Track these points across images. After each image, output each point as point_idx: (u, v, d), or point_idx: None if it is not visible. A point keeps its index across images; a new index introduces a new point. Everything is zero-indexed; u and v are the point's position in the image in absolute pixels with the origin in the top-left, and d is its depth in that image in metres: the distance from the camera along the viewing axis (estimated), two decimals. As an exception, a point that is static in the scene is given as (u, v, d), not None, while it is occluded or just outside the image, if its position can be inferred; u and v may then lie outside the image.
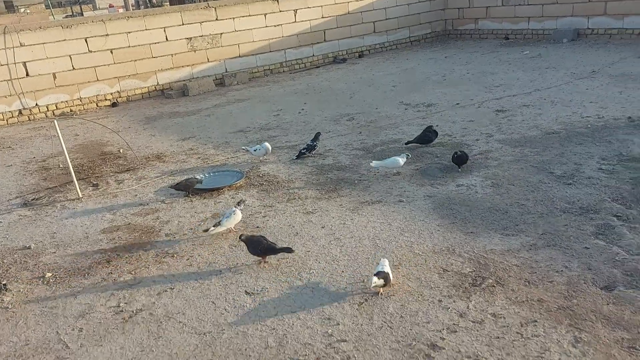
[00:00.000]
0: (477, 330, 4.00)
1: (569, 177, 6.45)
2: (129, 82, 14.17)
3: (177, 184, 7.20)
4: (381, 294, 4.52)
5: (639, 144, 7.19)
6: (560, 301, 4.23)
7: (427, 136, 8.08)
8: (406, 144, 8.08)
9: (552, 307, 4.17)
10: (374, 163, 7.08)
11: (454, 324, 4.10)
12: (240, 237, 5.30)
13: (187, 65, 14.84)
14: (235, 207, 5.96)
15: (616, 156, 6.89)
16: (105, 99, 13.95)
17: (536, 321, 4.03)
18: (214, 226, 5.78)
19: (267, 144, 8.20)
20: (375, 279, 4.40)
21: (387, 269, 4.52)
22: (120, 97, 14.11)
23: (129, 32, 13.89)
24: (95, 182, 8.07)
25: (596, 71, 11.55)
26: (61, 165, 8.99)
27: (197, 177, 7.30)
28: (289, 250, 5.18)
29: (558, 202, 5.85)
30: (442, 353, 3.81)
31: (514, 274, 4.64)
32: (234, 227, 5.91)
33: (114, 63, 13.86)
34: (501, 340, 3.88)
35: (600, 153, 7.04)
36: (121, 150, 9.61)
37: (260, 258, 5.24)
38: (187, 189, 7.14)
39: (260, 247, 5.16)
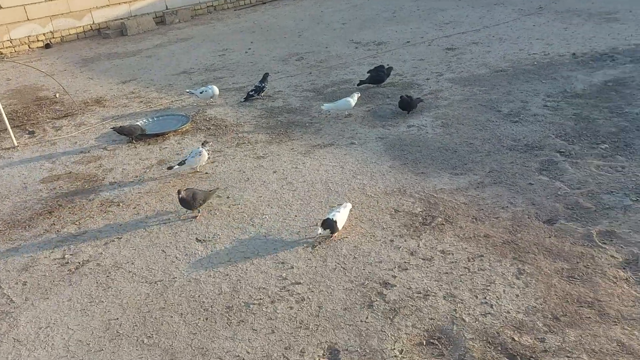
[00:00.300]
0: (427, 267, 4.10)
1: (516, 115, 6.56)
2: (62, 22, 13.25)
3: (121, 126, 6.87)
4: (334, 239, 4.54)
5: (582, 80, 7.36)
6: (505, 236, 4.37)
7: (379, 76, 7.92)
8: (358, 84, 7.87)
9: (498, 242, 4.31)
10: (325, 106, 6.96)
11: (405, 262, 4.18)
12: (178, 194, 4.93)
13: (125, 2, 13.97)
14: (201, 147, 5.77)
15: (560, 93, 7.03)
16: (38, 40, 13.05)
17: (482, 256, 4.17)
18: (178, 164, 5.61)
19: (214, 86, 7.91)
20: (320, 229, 4.39)
21: (338, 216, 4.50)
22: (53, 37, 13.22)
23: (59, -34, 12.86)
24: (31, 130, 7.63)
25: (543, 7, 11.62)
26: (-8, 112, 8.43)
27: (141, 126, 6.98)
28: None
29: (505, 140, 5.96)
30: (393, 290, 3.90)
31: (462, 212, 4.75)
32: (198, 169, 5.74)
33: (46, 1, 12.87)
34: (449, 275, 4.00)
35: (546, 90, 7.17)
36: (57, 95, 9.07)
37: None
38: (130, 134, 6.84)
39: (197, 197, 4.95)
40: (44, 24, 13.05)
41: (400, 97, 6.91)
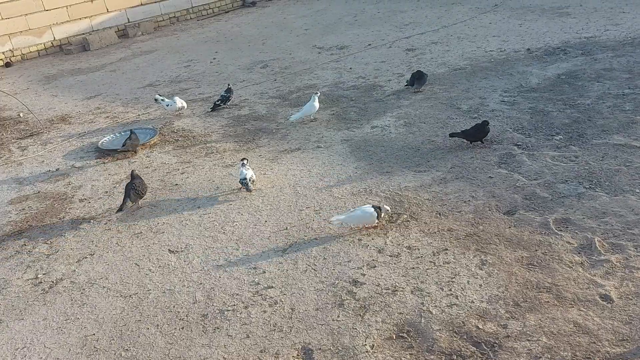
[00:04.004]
0: (395, 264, 4.26)
1: (475, 111, 6.79)
2: (22, 39, 13.08)
3: (124, 144, 6.82)
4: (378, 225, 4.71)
5: (537, 74, 7.64)
6: (468, 229, 4.56)
7: (482, 130, 5.91)
8: (451, 135, 6.09)
9: (461, 235, 4.50)
10: (292, 117, 7.04)
11: (373, 259, 4.33)
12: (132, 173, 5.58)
13: (86, 17, 13.85)
14: (243, 162, 5.58)
15: (517, 88, 7.30)
16: (-3, 59, 12.84)
17: (447, 249, 4.34)
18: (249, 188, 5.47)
19: (179, 99, 7.88)
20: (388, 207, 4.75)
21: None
22: (14, 55, 13.04)
23: (15, -17, 12.69)
24: (-4, 151, 7.56)
25: (498, 5, 11.96)
26: (-45, 135, 8.31)
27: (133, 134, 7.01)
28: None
29: (465, 136, 6.17)
30: (363, 288, 4.04)
31: (427, 208, 4.92)
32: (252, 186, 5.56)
33: (2, 19, 12.69)
34: (416, 270, 4.16)
35: (503, 86, 7.43)
36: (21, 114, 8.99)
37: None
38: (134, 147, 6.86)
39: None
40: (3, 43, 12.86)
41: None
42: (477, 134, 5.86)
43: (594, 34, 8.92)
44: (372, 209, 4.58)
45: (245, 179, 5.39)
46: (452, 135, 6.01)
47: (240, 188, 5.55)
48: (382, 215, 4.64)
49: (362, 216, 4.61)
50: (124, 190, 5.56)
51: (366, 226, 4.69)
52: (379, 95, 7.81)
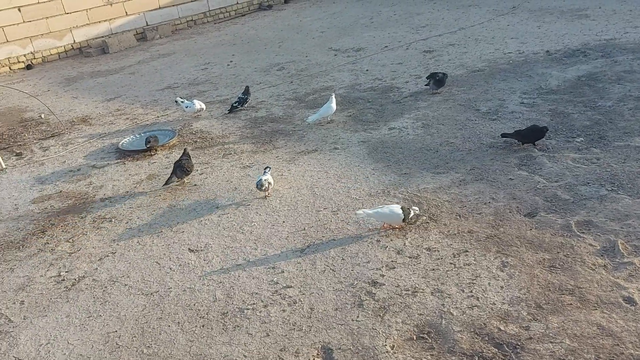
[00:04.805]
0: (414, 265, 4.25)
1: (494, 112, 6.75)
2: (43, 42, 13.28)
3: (147, 142, 6.95)
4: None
5: (557, 76, 7.58)
6: (488, 230, 4.54)
7: (539, 132, 5.78)
8: (502, 135, 5.95)
9: (482, 236, 4.47)
10: (309, 119, 7.05)
11: (392, 261, 4.32)
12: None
13: (105, 20, 14.03)
14: (265, 170, 5.55)
15: (536, 90, 7.25)
16: (19, 61, 13.05)
17: (467, 251, 4.32)
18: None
19: (198, 101, 7.98)
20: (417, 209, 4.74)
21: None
22: (35, 58, 13.24)
23: (36, -13, 12.90)
24: (18, 151, 7.68)
25: (516, 7, 11.90)
26: (-22, 136, 8.46)
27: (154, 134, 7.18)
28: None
29: (484, 138, 6.14)
30: (382, 289, 4.04)
31: (446, 210, 4.90)
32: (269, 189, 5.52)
33: (24, 22, 12.90)
34: (436, 271, 4.15)
35: (522, 88, 7.38)
36: (42, 116, 9.12)
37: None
38: (156, 144, 6.99)
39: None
40: (24, 45, 13.07)
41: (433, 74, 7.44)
42: (530, 135, 5.73)
43: (614, 36, 8.83)
44: (401, 210, 4.57)
45: (261, 180, 5.37)
46: (504, 135, 5.88)
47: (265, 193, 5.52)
48: (409, 218, 4.61)
49: (389, 215, 4.61)
50: (172, 166, 6.11)
51: (390, 226, 4.68)
52: (396, 96, 7.81)
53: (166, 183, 5.89)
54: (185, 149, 6.22)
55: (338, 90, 8.21)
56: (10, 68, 12.95)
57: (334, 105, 7.05)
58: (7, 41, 12.80)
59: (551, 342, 3.40)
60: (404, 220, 4.59)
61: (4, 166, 7.16)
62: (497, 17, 11.36)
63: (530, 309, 3.67)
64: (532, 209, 4.74)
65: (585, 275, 3.90)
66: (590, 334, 3.42)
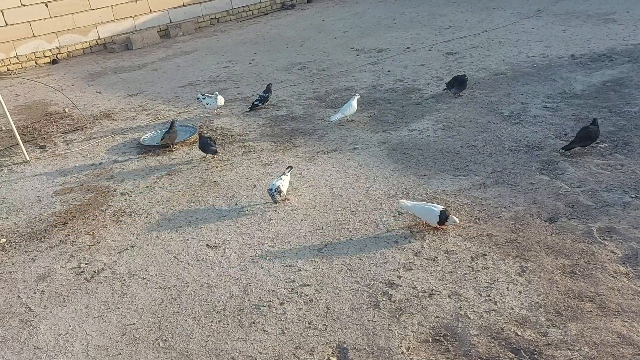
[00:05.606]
0: (432, 267, 4.22)
1: (516, 116, 6.68)
2: (68, 37, 13.50)
3: (162, 139, 7.04)
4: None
5: (581, 81, 7.47)
6: (508, 235, 4.49)
7: (592, 132, 5.62)
8: (566, 148, 5.64)
9: (501, 240, 4.42)
10: (333, 117, 7.04)
11: (409, 262, 4.30)
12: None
13: (129, 17, 14.22)
14: (285, 171, 5.54)
15: (560, 94, 7.15)
16: (45, 56, 13.30)
17: (486, 255, 4.28)
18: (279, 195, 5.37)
19: (219, 96, 8.05)
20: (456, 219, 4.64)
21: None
22: (60, 53, 13.47)
23: (64, -17, 13.12)
24: (42, 144, 7.82)
25: (541, 10, 11.76)
26: (4, 128, 8.64)
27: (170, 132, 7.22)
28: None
29: (506, 141, 6.08)
30: (399, 290, 4.02)
31: (465, 212, 4.86)
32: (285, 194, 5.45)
33: (50, 17, 13.14)
34: (454, 274, 4.12)
35: (545, 92, 7.29)
36: (66, 110, 9.27)
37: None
38: (172, 140, 7.05)
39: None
40: (50, 40, 13.30)
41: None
42: (587, 138, 5.55)
43: (642, 41, 8.67)
44: (439, 212, 4.54)
45: (272, 189, 5.28)
46: (565, 148, 5.59)
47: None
48: (446, 223, 4.57)
49: (426, 211, 4.61)
50: (200, 148, 6.60)
51: (425, 223, 4.69)
52: (417, 98, 7.77)
53: (204, 155, 6.66)
54: (200, 133, 6.84)
55: (359, 91, 8.19)
56: (36, 62, 13.19)
57: (354, 104, 7.05)
58: (34, 36, 13.04)
59: (569, 350, 3.35)
60: (440, 222, 4.56)
61: (28, 158, 7.30)
62: (521, 20, 11.23)
63: (548, 315, 3.62)
64: (553, 214, 4.68)
65: (606, 283, 3.84)
66: (610, 343, 3.36)
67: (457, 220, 4.59)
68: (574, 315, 3.60)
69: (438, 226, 4.64)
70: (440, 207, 4.58)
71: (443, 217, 4.53)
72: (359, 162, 6.07)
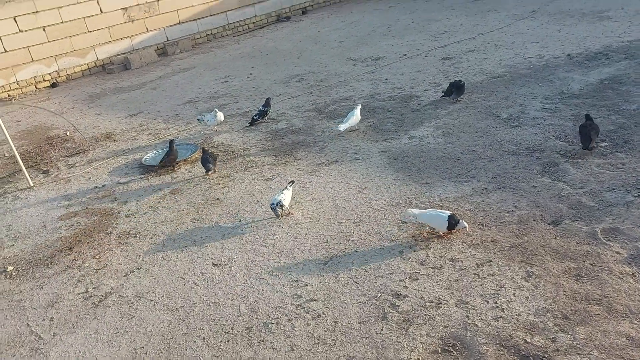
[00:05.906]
0: (437, 276, 4.22)
1: (515, 119, 6.69)
2: (67, 60, 13.60)
3: (162, 161, 7.09)
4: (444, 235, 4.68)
5: (579, 80, 7.49)
6: (512, 240, 4.49)
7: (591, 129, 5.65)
8: (587, 148, 5.58)
9: (505, 246, 4.43)
10: (340, 127, 7.03)
11: (415, 272, 4.31)
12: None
13: (126, 37, 14.31)
14: (287, 186, 5.61)
15: (558, 94, 7.16)
16: (44, 80, 13.38)
17: (491, 261, 4.28)
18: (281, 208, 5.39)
19: (219, 112, 8.10)
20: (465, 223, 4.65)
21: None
22: (59, 76, 13.56)
23: (60, 7, 13.21)
24: (45, 169, 7.87)
25: (536, 10, 11.78)
26: (6, 154, 8.69)
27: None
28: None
29: (506, 145, 6.09)
30: (406, 301, 4.02)
31: (468, 219, 4.86)
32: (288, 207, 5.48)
33: (49, 41, 13.23)
34: (460, 282, 4.12)
35: (543, 93, 7.30)
36: (68, 133, 9.33)
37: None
38: (171, 163, 7.08)
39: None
40: (49, 64, 13.40)
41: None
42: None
43: (638, 37, 8.69)
44: (447, 217, 4.55)
45: (273, 204, 5.29)
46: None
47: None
48: (455, 229, 4.58)
49: (434, 217, 4.63)
50: (201, 163, 6.74)
51: (433, 230, 4.69)
52: (415, 105, 7.79)
53: (206, 173, 6.72)
54: (203, 148, 7.03)
55: (358, 100, 8.23)
56: (36, 87, 13.28)
57: (358, 113, 7.12)
58: (33, 60, 13.13)
59: (579, 354, 3.34)
60: (449, 228, 4.57)
61: (32, 184, 7.34)
62: (516, 21, 11.27)
63: (556, 320, 3.62)
64: (557, 217, 4.68)
65: (612, 284, 3.83)
66: (619, 345, 3.35)
67: (466, 224, 4.61)
68: (581, 319, 3.60)
69: (444, 233, 4.64)
70: (448, 212, 4.59)
71: (452, 222, 4.54)
72: (361, 172, 6.09)
